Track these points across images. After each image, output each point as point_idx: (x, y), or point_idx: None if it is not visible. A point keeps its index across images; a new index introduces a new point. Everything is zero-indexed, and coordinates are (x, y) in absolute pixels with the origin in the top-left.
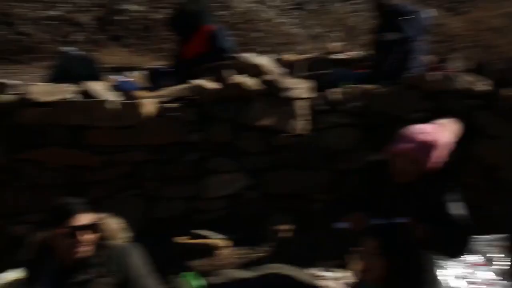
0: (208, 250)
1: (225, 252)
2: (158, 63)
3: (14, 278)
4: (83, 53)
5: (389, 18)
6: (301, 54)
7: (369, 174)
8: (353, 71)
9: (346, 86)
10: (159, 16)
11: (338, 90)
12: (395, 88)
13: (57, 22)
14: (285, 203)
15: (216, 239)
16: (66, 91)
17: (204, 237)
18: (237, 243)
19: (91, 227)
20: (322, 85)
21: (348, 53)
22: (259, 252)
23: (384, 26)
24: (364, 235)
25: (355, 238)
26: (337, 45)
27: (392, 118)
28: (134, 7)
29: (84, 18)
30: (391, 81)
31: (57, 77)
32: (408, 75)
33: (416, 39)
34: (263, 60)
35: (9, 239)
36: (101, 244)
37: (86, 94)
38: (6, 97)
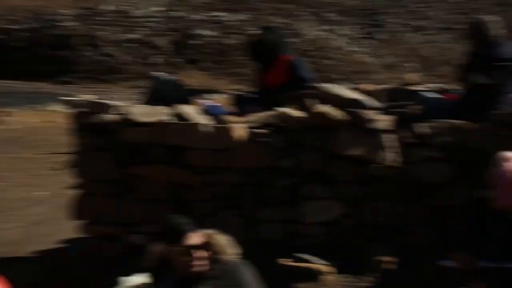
0: (312, 275)
1: (330, 278)
2: (235, 87)
3: (140, 282)
4: (173, 78)
5: (483, 58)
6: (377, 83)
7: (474, 211)
8: (445, 98)
9: (437, 120)
10: (231, 41)
11: (425, 124)
12: (486, 125)
13: (137, 45)
14: (383, 234)
15: (319, 264)
16: (161, 113)
17: (307, 261)
18: (340, 270)
19: (204, 245)
20: (406, 116)
21: (428, 85)
22: (364, 281)
23: (475, 64)
24: (471, 277)
25: (461, 278)
26: (413, 75)
27: (486, 155)
28: (207, 33)
29: (160, 41)
30: (480, 116)
31: (151, 99)
32: (498, 111)
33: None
34: (345, 91)
35: (124, 246)
36: (215, 259)
37: (179, 116)
38: (110, 117)
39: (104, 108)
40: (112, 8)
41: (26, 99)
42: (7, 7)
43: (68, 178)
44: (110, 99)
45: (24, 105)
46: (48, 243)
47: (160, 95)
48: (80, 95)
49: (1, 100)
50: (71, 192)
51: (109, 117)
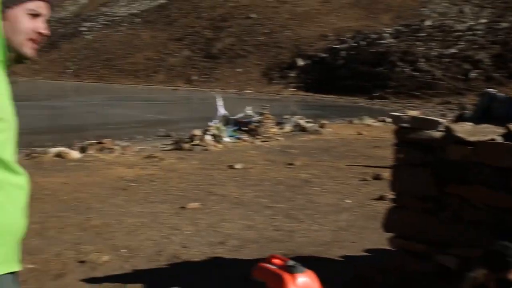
0: None
1: None
2: None
3: None
4: (506, 95)
5: None
6: None
7: None
8: None
9: None
10: None
11: None
12: None
13: (452, 59)
14: None
15: None
16: (491, 132)
17: None
18: None
19: None
20: None
21: None
22: None
23: None
24: None
25: None
26: None
27: None
28: None
29: (480, 55)
30: None
31: (478, 117)
32: None
33: None
34: None
35: (432, 265)
36: None
37: (509, 136)
38: (433, 133)
39: (429, 124)
40: (431, 23)
41: (341, 112)
42: (335, 28)
43: (374, 190)
44: (421, 115)
45: (338, 117)
46: (353, 250)
47: (492, 112)
48: (407, 111)
49: (319, 112)
50: (377, 204)
51: (433, 133)
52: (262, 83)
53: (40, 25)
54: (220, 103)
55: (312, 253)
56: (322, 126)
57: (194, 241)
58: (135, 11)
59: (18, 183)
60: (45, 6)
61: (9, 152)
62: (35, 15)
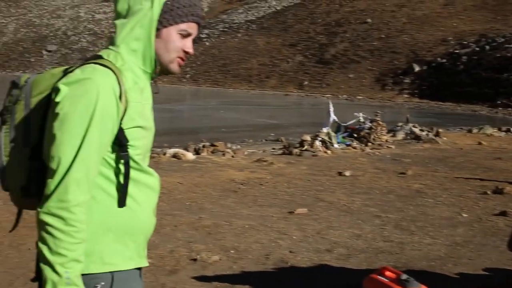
0: None
1: None
2: None
3: None
4: None
5: None
6: None
7: None
8: None
9: None
10: None
11: None
12: None
13: None
14: None
15: None
16: None
17: None
18: None
19: None
20: None
21: None
22: None
23: None
24: None
25: None
26: None
27: None
28: None
29: None
30: None
31: None
32: None
33: None
34: None
35: None
36: None
37: None
38: None
39: None
40: None
41: (458, 121)
42: (456, 32)
43: (495, 205)
44: None
45: (455, 126)
46: (470, 267)
47: None
48: None
49: (434, 120)
50: (498, 220)
51: None
52: (374, 89)
53: (188, 44)
54: (331, 109)
55: (425, 268)
56: (437, 134)
57: (301, 246)
58: (252, 18)
59: (151, 185)
60: (196, 27)
61: (145, 157)
62: (185, 35)
